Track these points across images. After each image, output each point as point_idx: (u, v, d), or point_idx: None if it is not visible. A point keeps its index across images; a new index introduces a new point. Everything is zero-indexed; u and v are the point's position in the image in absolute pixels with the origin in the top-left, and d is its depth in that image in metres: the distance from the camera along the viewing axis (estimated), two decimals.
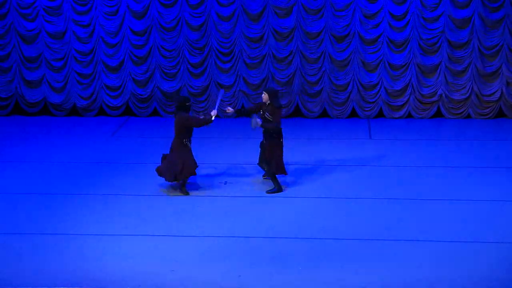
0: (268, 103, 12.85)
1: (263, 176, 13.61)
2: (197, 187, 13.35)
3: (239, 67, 18.26)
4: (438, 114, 18.20)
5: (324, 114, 18.41)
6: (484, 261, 10.26)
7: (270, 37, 18.05)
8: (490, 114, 18.04)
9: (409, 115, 18.25)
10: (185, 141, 12.90)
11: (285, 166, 13.10)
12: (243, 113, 13.37)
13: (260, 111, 13.01)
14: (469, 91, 17.96)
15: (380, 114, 18.31)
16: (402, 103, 18.16)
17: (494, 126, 17.52)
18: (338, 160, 14.87)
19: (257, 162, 13.42)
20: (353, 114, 18.37)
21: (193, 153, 13.00)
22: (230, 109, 13.43)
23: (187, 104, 12.92)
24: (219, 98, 13.37)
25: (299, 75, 18.18)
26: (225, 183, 13.56)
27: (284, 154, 13.16)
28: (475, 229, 11.36)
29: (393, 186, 13.36)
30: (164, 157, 13.17)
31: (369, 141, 16.52)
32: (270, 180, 13.15)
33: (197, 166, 13.00)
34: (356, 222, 11.73)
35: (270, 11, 17.94)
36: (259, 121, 12.78)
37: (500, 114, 18.10)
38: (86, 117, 18.63)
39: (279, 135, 12.92)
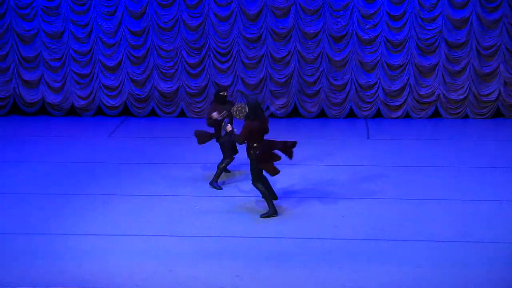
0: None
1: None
2: (195, 187, 13.35)
3: (237, 68, 18.26)
4: (436, 114, 18.22)
5: (322, 114, 18.42)
6: (483, 261, 10.27)
7: (268, 38, 18.05)
8: (488, 114, 18.07)
9: (407, 115, 18.27)
10: None
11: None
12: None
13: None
14: (467, 91, 17.98)
15: (378, 114, 18.33)
16: (400, 103, 18.18)
17: (492, 126, 17.55)
18: (336, 160, 14.87)
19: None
20: (351, 114, 18.39)
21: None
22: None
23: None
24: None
25: (297, 75, 18.18)
26: (223, 183, 13.55)
27: (281, 153, 13.19)
28: (473, 229, 11.37)
29: (391, 186, 13.36)
30: None
31: (367, 141, 16.54)
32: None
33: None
34: (354, 222, 11.73)
35: (268, 11, 17.94)
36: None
37: (498, 114, 18.13)
38: (84, 117, 18.63)
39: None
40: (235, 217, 11.99)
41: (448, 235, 11.11)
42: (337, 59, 18.04)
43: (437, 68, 17.93)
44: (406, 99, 18.16)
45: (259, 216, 11.92)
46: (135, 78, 18.45)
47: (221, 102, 13.26)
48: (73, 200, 12.71)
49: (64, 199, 12.77)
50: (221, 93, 13.25)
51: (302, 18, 17.92)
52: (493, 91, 17.94)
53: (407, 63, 17.96)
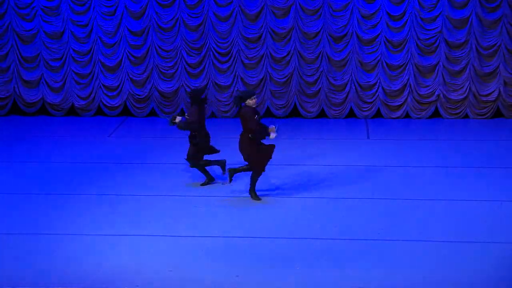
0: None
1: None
2: (194, 187, 13.35)
3: (237, 68, 18.26)
4: (436, 114, 18.22)
5: (322, 115, 18.42)
6: (484, 261, 10.26)
7: (268, 38, 18.05)
8: (488, 114, 18.06)
9: (407, 115, 18.27)
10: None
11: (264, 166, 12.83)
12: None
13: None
14: (467, 91, 17.98)
15: (378, 114, 18.32)
16: (400, 103, 18.18)
17: (492, 126, 17.55)
18: (336, 160, 14.87)
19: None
20: (351, 114, 18.38)
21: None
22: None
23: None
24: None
25: (296, 76, 18.18)
26: (223, 183, 13.55)
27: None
28: (473, 229, 11.36)
29: (391, 186, 13.36)
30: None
31: (367, 141, 16.54)
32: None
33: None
34: (354, 222, 11.73)
35: (268, 12, 17.94)
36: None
37: (497, 114, 18.13)
38: (84, 117, 18.63)
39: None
40: (235, 217, 11.99)
41: (448, 235, 11.11)
42: (337, 59, 18.04)
43: (437, 68, 17.93)
44: (406, 99, 18.16)
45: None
46: (135, 78, 18.45)
47: (203, 103, 13.37)
48: (73, 200, 12.71)
49: (64, 199, 12.77)
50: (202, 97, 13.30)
51: (302, 18, 17.92)
52: (493, 91, 17.94)
53: (407, 63, 17.96)
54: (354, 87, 18.16)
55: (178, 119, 13.13)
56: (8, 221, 11.81)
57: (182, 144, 15.58)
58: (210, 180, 13.45)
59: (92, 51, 18.37)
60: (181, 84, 18.42)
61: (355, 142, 16.40)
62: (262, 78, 18.27)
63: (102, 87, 18.55)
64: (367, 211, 12.19)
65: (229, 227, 11.54)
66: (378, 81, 18.12)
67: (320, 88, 18.23)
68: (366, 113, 18.29)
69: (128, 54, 18.32)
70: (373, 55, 17.98)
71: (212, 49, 18.18)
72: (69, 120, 18.46)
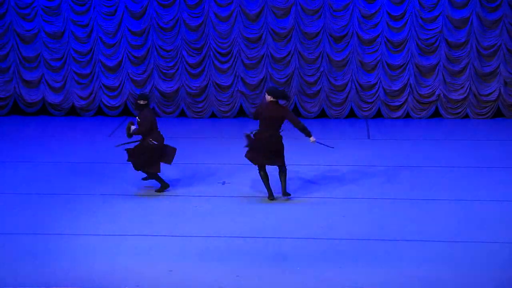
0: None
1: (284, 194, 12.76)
2: (195, 188, 13.35)
3: (237, 68, 18.27)
4: (436, 114, 18.23)
5: (322, 115, 18.42)
6: (483, 261, 10.26)
7: (268, 38, 18.05)
8: (488, 114, 18.07)
9: (407, 115, 18.27)
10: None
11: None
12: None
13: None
14: (467, 91, 17.98)
15: (378, 114, 18.33)
16: (400, 103, 18.18)
17: (492, 126, 17.55)
18: (336, 160, 14.86)
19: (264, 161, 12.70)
20: (352, 114, 18.39)
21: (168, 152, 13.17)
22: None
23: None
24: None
25: (297, 76, 18.19)
26: (223, 183, 13.56)
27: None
28: (473, 229, 11.36)
29: (391, 186, 13.36)
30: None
31: (368, 141, 16.54)
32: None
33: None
34: (355, 222, 11.73)
35: (268, 12, 17.94)
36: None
37: (498, 114, 18.14)
38: (85, 117, 18.64)
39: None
40: (235, 217, 11.99)
41: (448, 235, 11.11)
42: (337, 59, 18.04)
43: (437, 68, 17.93)
44: (407, 99, 18.16)
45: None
46: (135, 78, 18.46)
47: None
48: (74, 200, 12.71)
49: (64, 199, 12.77)
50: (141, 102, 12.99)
51: (302, 18, 17.93)
52: (493, 91, 17.95)
53: (407, 63, 17.96)
54: (354, 87, 18.17)
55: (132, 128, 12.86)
56: (8, 221, 11.82)
57: (181, 144, 15.61)
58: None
59: (92, 51, 18.38)
60: (181, 84, 18.42)
61: (356, 142, 16.41)
62: (263, 78, 18.27)
63: (102, 87, 18.55)
64: (367, 211, 12.19)
65: (229, 227, 11.53)
66: (379, 81, 18.12)
67: (321, 88, 18.24)
68: (366, 113, 18.30)
69: (129, 54, 18.33)
70: (373, 55, 17.99)
71: (213, 49, 18.18)
72: (69, 120, 18.47)
